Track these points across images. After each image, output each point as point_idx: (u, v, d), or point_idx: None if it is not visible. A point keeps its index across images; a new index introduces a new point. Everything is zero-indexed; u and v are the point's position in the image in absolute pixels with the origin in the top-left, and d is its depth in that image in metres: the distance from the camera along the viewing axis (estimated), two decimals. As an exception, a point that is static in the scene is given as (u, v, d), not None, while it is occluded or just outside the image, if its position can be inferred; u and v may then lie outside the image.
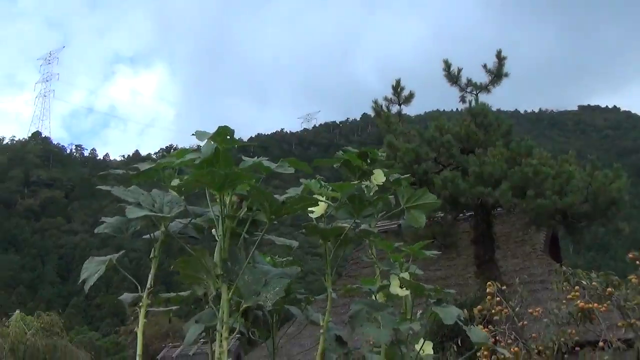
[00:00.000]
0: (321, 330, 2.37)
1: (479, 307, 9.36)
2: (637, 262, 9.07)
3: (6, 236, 76.95)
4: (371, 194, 2.52)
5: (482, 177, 13.48)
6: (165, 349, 34.09)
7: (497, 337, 9.00)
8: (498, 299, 9.25)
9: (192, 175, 2.02)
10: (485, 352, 8.88)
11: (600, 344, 8.48)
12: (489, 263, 14.49)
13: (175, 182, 2.25)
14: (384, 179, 2.54)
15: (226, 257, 2.10)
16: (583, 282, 8.80)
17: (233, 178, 1.98)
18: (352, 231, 2.35)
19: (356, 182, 2.45)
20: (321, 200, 2.29)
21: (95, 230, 2.35)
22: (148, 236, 2.29)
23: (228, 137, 2.01)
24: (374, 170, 2.56)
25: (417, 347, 2.55)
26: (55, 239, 79.28)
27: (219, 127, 2.02)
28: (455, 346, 9.55)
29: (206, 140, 2.05)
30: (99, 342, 39.92)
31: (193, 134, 2.11)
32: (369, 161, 2.56)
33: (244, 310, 2.81)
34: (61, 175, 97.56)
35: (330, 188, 2.39)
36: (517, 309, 9.22)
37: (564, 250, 23.04)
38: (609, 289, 8.68)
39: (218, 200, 2.10)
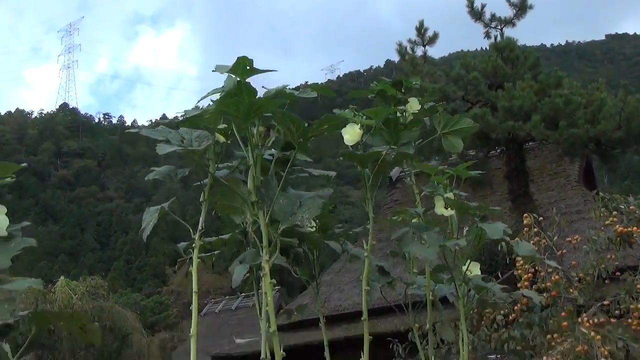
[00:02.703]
0: (365, 254, 2.40)
1: (516, 239, 9.35)
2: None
3: (43, 208, 78.46)
4: (406, 122, 2.51)
5: (512, 111, 13.32)
6: (208, 305, 34.80)
7: (537, 268, 9.02)
8: (535, 229, 9.25)
9: (216, 105, 2.02)
10: (525, 283, 8.94)
11: (641, 266, 8.46)
12: (524, 197, 14.43)
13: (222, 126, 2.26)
14: (419, 106, 2.52)
15: (259, 184, 2.13)
16: (621, 206, 8.74)
17: (257, 106, 1.99)
18: (389, 156, 2.34)
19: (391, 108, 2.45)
20: (350, 122, 2.28)
21: (146, 178, 2.44)
22: (197, 183, 2.34)
23: (247, 67, 2.01)
24: (408, 99, 2.54)
25: (464, 268, 2.58)
26: (91, 207, 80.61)
27: (238, 57, 2.02)
28: (495, 278, 9.59)
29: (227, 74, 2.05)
30: (143, 302, 40.79)
31: (214, 70, 2.11)
32: (403, 90, 2.54)
33: (285, 249, 2.86)
34: (91, 144, 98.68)
35: (364, 116, 2.40)
36: (555, 238, 9.20)
37: (598, 180, 22.84)
38: (647, 212, 8.63)
39: (246, 132, 2.12)
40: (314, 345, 16.72)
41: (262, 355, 2.11)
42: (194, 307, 2.36)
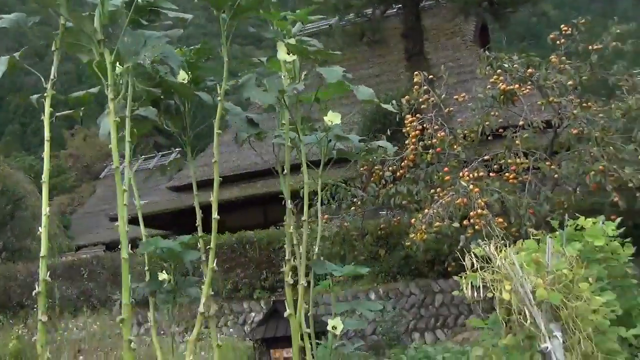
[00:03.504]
0: (219, 98, 2.35)
1: (406, 97, 9.50)
2: (558, 42, 9.21)
3: None
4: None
5: (409, -33, 13.15)
6: (108, 167, 34.30)
7: (425, 125, 9.24)
8: (425, 87, 9.39)
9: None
10: (413, 140, 9.16)
11: (521, 122, 8.79)
12: (418, 56, 14.54)
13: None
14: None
15: (106, 22, 2.02)
16: (505, 65, 8.94)
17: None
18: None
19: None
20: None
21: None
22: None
23: None
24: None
25: (326, 118, 2.57)
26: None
27: None
28: (385, 137, 9.78)
29: None
30: (38, 167, 39.77)
31: None
32: None
33: (155, 100, 2.76)
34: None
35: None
36: (443, 96, 9.40)
37: (497, 42, 23.23)
38: (530, 70, 8.87)
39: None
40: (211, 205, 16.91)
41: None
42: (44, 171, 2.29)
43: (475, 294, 3.67)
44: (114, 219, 18.65)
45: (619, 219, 4.80)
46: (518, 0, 12.47)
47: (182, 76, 2.53)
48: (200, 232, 2.63)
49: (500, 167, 8.94)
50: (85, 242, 27.39)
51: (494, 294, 3.61)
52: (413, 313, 12.05)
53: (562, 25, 9.38)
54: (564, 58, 9.18)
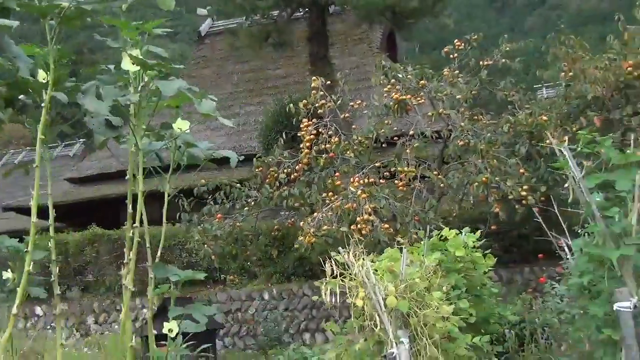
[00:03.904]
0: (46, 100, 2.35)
1: (304, 101, 9.61)
2: (451, 56, 9.55)
3: None
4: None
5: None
6: (7, 155, 33.05)
7: (320, 129, 9.38)
8: (322, 93, 9.53)
9: None
10: (308, 144, 9.29)
11: (411, 132, 9.05)
12: (323, 60, 14.72)
13: None
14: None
15: None
16: (399, 75, 9.19)
17: None
18: (70, 10, 2.20)
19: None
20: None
21: None
22: None
23: None
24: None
25: (175, 125, 2.60)
26: None
27: None
28: (282, 139, 9.88)
29: None
30: None
31: None
32: None
33: (10, 99, 2.73)
34: None
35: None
36: (339, 102, 9.55)
37: (410, 50, 23.74)
38: (422, 82, 9.15)
39: None
40: (112, 197, 16.61)
41: None
42: None
43: (334, 299, 3.79)
44: (8, 208, 17.94)
45: (491, 229, 5.05)
46: (419, 12, 12.82)
47: (42, 75, 2.52)
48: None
49: (391, 174, 9.19)
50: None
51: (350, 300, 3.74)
52: (305, 314, 12.20)
53: (455, 40, 9.73)
54: (456, 72, 9.53)
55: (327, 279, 3.78)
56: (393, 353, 3.44)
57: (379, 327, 3.53)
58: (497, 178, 8.44)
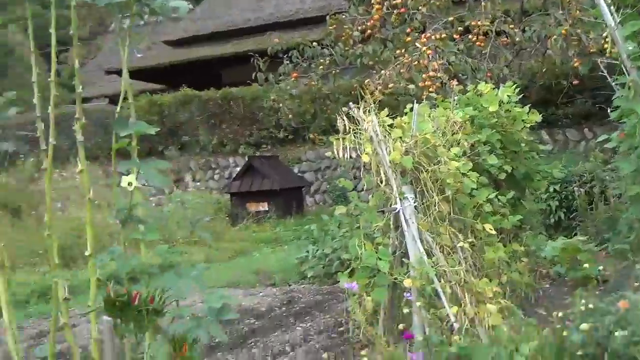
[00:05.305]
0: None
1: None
2: None
3: None
4: None
5: None
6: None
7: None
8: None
9: None
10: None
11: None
12: None
13: None
14: None
15: None
16: None
17: None
18: None
19: None
20: None
21: None
22: None
23: None
24: None
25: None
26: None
27: None
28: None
29: None
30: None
31: None
32: None
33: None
34: None
35: None
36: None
37: None
38: None
39: None
40: (204, 59, 16.90)
41: None
42: None
43: (347, 155, 3.80)
44: (110, 72, 18.74)
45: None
46: None
47: None
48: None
49: (466, 29, 8.80)
50: (88, 95, 27.62)
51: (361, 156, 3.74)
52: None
53: None
54: None
55: (341, 134, 3.78)
56: (396, 208, 3.44)
57: (384, 184, 3.53)
58: (578, 30, 7.94)
